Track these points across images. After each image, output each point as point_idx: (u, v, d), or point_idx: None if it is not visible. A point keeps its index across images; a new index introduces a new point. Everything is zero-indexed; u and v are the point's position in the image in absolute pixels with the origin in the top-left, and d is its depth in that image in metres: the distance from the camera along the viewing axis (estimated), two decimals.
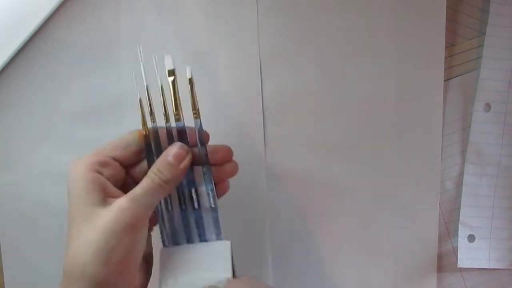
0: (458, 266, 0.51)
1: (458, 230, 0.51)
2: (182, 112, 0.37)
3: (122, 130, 0.39)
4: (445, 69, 0.51)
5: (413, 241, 0.51)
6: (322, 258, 0.51)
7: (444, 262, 0.52)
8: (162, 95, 0.37)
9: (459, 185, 0.52)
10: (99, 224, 0.32)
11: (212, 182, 0.38)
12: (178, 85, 0.37)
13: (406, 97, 0.51)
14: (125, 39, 0.49)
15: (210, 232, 0.38)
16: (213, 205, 0.38)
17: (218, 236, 0.38)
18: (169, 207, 0.38)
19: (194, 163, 0.38)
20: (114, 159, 0.36)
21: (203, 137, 0.37)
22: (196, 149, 0.38)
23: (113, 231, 0.32)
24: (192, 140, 0.37)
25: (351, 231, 0.51)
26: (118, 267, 0.31)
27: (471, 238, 0.51)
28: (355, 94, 0.50)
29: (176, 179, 0.35)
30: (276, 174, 0.50)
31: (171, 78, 0.36)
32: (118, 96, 0.49)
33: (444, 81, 0.51)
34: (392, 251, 0.51)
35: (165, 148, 0.36)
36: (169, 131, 0.38)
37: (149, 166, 0.36)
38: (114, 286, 0.32)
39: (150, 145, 0.37)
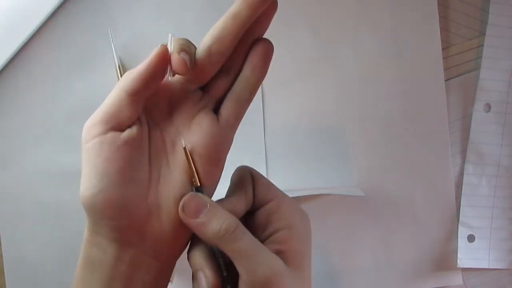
0: (458, 266, 0.51)
1: (458, 230, 0.51)
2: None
3: None
4: (445, 69, 0.51)
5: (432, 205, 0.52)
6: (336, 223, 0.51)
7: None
8: None
9: (459, 185, 0.52)
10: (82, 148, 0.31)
11: None
12: None
13: (409, 95, 0.51)
14: (124, 39, 0.49)
15: None
16: None
17: None
18: None
19: None
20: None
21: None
22: None
23: (96, 142, 0.30)
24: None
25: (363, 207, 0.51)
26: (116, 178, 0.30)
27: (471, 238, 0.51)
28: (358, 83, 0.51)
29: (150, 63, 0.30)
30: (275, 147, 0.50)
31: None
32: None
33: (444, 81, 0.51)
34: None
35: None
36: None
37: None
38: (120, 201, 0.30)
39: None
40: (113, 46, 0.48)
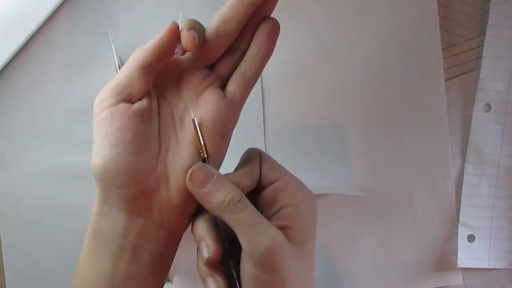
0: (458, 266, 0.51)
1: (458, 230, 0.51)
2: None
3: None
4: (445, 69, 0.51)
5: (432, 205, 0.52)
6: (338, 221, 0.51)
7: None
8: None
9: (459, 185, 0.52)
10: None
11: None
12: None
13: (409, 97, 0.51)
14: (124, 39, 0.49)
15: None
16: None
17: None
18: None
19: None
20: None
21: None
22: None
23: (107, 113, 0.31)
24: None
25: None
26: (127, 147, 0.31)
27: (471, 238, 0.51)
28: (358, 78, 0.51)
29: (157, 43, 0.32)
30: (275, 147, 0.50)
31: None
32: None
33: (444, 81, 0.51)
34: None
35: None
36: None
37: None
38: (130, 169, 0.31)
39: None
40: (113, 46, 0.48)
